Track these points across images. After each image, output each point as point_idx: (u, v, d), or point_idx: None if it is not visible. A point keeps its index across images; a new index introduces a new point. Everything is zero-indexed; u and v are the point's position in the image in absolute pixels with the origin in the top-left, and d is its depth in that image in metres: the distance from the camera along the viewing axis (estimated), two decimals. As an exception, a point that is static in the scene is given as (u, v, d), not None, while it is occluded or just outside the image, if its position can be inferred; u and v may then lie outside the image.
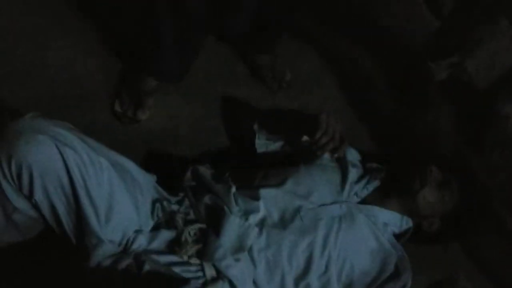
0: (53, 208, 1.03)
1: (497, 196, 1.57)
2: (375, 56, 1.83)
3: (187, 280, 1.05)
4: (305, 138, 1.36)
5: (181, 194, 1.25)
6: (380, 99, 1.76)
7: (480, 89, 1.75)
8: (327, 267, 1.19)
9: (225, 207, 1.17)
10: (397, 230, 1.33)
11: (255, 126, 1.46)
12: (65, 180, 1.01)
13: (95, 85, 1.53)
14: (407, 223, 1.33)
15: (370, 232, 1.26)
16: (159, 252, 1.12)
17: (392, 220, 1.31)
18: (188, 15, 1.26)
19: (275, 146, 1.45)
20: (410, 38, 1.88)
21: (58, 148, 0.98)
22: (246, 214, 1.18)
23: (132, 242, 1.10)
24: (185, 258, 1.11)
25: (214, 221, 1.16)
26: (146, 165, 1.32)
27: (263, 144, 1.45)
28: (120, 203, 1.08)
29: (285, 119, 1.46)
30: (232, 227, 1.14)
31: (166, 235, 1.15)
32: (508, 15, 1.50)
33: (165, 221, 1.18)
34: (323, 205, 1.24)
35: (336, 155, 1.28)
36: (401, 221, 1.32)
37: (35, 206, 1.03)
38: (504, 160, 1.67)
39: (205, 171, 1.30)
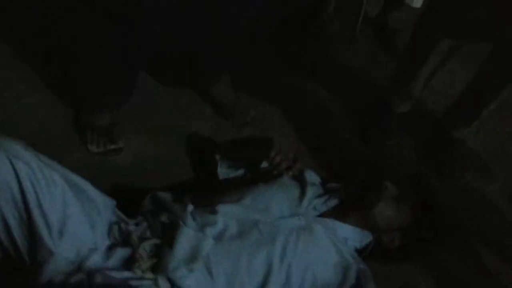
0: (4, 221, 1.03)
1: (461, 216, 1.60)
2: (337, 94, 1.91)
3: None
4: (263, 164, 1.41)
5: (140, 218, 1.27)
6: (341, 131, 1.82)
7: (438, 116, 1.82)
8: (287, 278, 1.19)
9: (180, 222, 1.19)
10: (358, 245, 1.34)
11: (217, 156, 1.50)
12: (17, 193, 1.01)
13: (60, 130, 1.59)
14: (367, 237, 1.34)
15: (330, 244, 1.26)
16: (114, 269, 1.11)
17: (352, 234, 1.33)
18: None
19: (237, 173, 1.49)
20: (372, 76, 1.98)
21: (10, 162, 1.00)
22: (203, 227, 1.20)
23: (87, 260, 1.11)
24: (139, 273, 1.10)
25: (169, 237, 1.17)
26: (111, 196, 1.35)
27: (225, 172, 1.49)
28: (74, 220, 1.09)
29: (245, 145, 1.50)
30: (185, 238, 1.15)
31: (121, 253, 1.14)
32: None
33: (121, 241, 1.19)
34: (282, 218, 1.26)
35: (291, 173, 1.32)
36: (361, 236, 1.34)
37: None
38: (463, 182, 1.72)
39: (165, 195, 1.33)
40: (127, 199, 1.37)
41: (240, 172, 1.49)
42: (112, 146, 1.56)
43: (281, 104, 1.83)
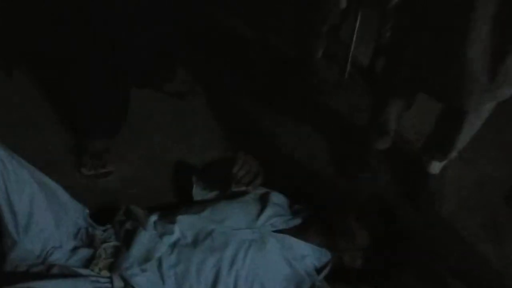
0: None
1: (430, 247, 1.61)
2: (319, 130, 2.01)
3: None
4: (233, 186, 1.50)
5: (109, 226, 1.37)
6: (318, 162, 1.90)
7: (416, 150, 1.88)
8: (235, 286, 1.25)
9: (141, 227, 1.28)
10: (317, 263, 1.38)
11: (193, 178, 1.60)
12: None
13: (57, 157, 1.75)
14: (326, 255, 1.39)
15: (282, 258, 1.32)
16: (75, 266, 1.21)
17: (310, 252, 1.37)
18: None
19: (211, 195, 1.58)
20: (356, 118, 2.07)
21: None
22: (161, 235, 1.28)
23: (50, 255, 1.21)
24: (96, 270, 1.20)
25: (129, 240, 1.26)
26: (94, 213, 1.46)
27: (199, 193, 1.58)
28: (40, 216, 1.20)
29: (219, 166, 1.59)
30: (142, 240, 1.24)
31: (84, 253, 1.25)
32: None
33: (86, 243, 1.29)
34: (236, 229, 1.33)
35: (250, 187, 1.39)
36: (319, 253, 1.38)
37: None
38: (438, 216, 1.74)
39: (136, 208, 1.43)
40: (108, 218, 1.48)
41: (215, 193, 1.58)
42: (103, 170, 1.70)
43: (263, 131, 1.96)
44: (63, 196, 1.30)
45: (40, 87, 1.94)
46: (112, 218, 1.44)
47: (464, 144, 1.69)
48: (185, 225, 1.33)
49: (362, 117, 2.02)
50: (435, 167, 1.77)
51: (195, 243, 1.29)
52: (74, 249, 1.26)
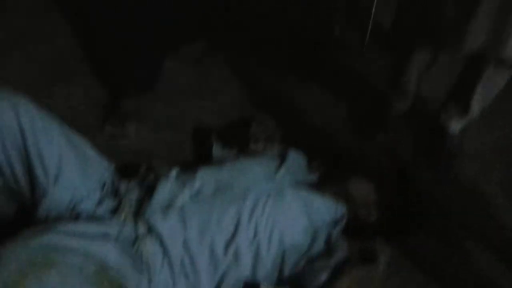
0: (10, 163, 1.19)
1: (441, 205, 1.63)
2: (340, 94, 2.03)
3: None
4: (251, 145, 1.55)
5: (133, 180, 1.42)
6: (336, 121, 1.93)
7: (432, 110, 1.89)
8: (255, 233, 1.29)
9: (162, 177, 1.33)
10: (332, 216, 1.41)
11: (212, 138, 1.65)
12: (20, 140, 1.18)
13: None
14: (342, 209, 1.42)
15: (300, 209, 1.36)
16: (101, 215, 1.27)
17: (325, 206, 1.41)
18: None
19: (230, 154, 1.62)
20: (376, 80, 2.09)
21: (14, 110, 1.17)
22: (183, 187, 1.33)
23: (78, 206, 1.26)
24: (122, 218, 1.25)
25: (152, 190, 1.32)
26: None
27: (219, 153, 1.63)
28: (69, 169, 1.25)
29: (238, 127, 1.63)
30: (164, 189, 1.29)
31: (110, 203, 1.30)
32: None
33: (112, 195, 1.34)
34: (255, 182, 1.37)
35: (268, 146, 1.43)
36: (335, 207, 1.42)
37: None
38: (452, 174, 1.76)
39: (158, 163, 1.48)
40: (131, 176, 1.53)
41: (233, 152, 1.62)
42: (124, 131, 1.76)
43: (282, 97, 1.99)
44: (89, 150, 1.35)
45: (75, 40, 2.01)
46: (135, 175, 1.49)
47: (483, 105, 1.70)
48: (205, 177, 1.37)
49: (381, 79, 2.03)
50: (454, 127, 1.78)
51: (216, 194, 1.33)
52: (100, 201, 1.31)
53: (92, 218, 1.23)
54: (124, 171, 1.50)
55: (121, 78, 1.73)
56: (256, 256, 1.30)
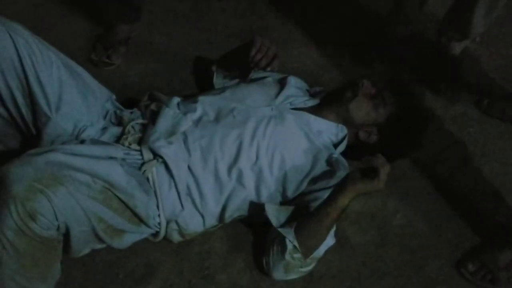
0: (11, 92, 1.20)
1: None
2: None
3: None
4: (253, 71, 1.54)
5: (135, 109, 1.43)
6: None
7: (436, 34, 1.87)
8: (257, 156, 1.32)
9: (164, 105, 1.34)
10: (333, 138, 1.44)
11: (213, 67, 1.64)
12: (18, 66, 1.17)
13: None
14: (342, 130, 1.44)
15: (301, 132, 1.37)
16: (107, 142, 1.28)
17: (326, 127, 1.42)
18: None
19: (231, 83, 1.62)
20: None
21: (11, 37, 1.16)
22: (185, 113, 1.35)
23: (83, 132, 1.27)
24: (126, 144, 1.27)
25: (155, 118, 1.33)
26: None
27: (220, 82, 1.63)
28: (70, 96, 1.25)
29: (238, 53, 1.61)
30: (166, 116, 1.31)
31: (114, 130, 1.32)
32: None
33: (115, 123, 1.36)
34: (256, 107, 1.38)
35: (269, 69, 1.42)
36: (336, 129, 1.43)
37: None
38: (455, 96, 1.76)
39: (160, 94, 1.48)
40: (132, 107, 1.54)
41: (235, 81, 1.62)
42: (107, 60, 1.75)
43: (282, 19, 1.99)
44: (90, 79, 1.35)
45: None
46: (137, 106, 1.50)
47: (483, 25, 1.67)
48: (207, 103, 1.38)
49: (383, 6, 2.00)
50: (455, 48, 1.77)
51: (218, 119, 1.35)
52: (104, 128, 1.32)
53: (97, 142, 1.25)
54: (127, 102, 1.52)
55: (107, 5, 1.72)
56: (259, 179, 1.33)
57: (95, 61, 1.74)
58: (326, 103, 1.46)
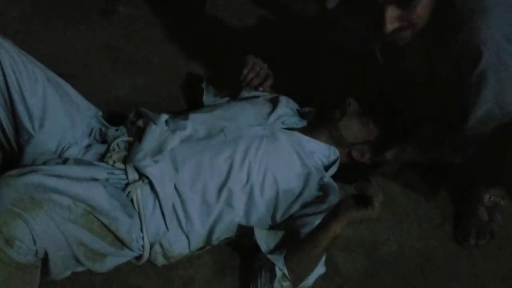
0: None
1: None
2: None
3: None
4: (244, 89, 1.51)
5: (121, 126, 1.39)
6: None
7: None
8: (248, 177, 1.28)
9: (151, 122, 1.30)
10: (325, 160, 1.41)
11: (203, 84, 1.61)
12: (1, 82, 1.14)
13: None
14: (334, 153, 1.41)
15: (293, 152, 1.34)
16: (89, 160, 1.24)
17: (318, 149, 1.40)
18: None
19: (222, 100, 1.58)
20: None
21: None
22: (173, 131, 1.31)
23: (66, 150, 1.23)
24: (111, 162, 1.22)
25: (141, 135, 1.29)
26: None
27: (210, 100, 1.60)
28: (54, 112, 1.21)
29: (227, 71, 1.58)
30: (153, 134, 1.27)
31: (98, 148, 1.27)
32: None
33: (100, 140, 1.31)
34: (247, 126, 1.35)
35: (261, 89, 1.39)
36: (328, 151, 1.41)
37: None
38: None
39: (147, 111, 1.44)
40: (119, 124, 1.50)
41: (225, 98, 1.59)
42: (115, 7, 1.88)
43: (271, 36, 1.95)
44: (76, 96, 1.31)
45: None
46: (123, 122, 1.46)
47: None
48: (197, 121, 1.35)
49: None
50: None
51: (208, 138, 1.31)
52: (88, 146, 1.28)
53: (80, 162, 1.20)
54: (112, 122, 1.47)
55: None
56: (249, 200, 1.29)
57: (103, 9, 1.85)
58: (316, 124, 1.44)
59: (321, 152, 1.40)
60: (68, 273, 1.18)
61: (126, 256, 1.23)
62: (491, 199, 1.51)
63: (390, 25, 1.15)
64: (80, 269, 1.19)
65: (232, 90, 1.56)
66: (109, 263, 1.19)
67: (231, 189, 1.26)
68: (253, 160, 1.28)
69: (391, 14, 1.14)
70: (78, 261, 1.11)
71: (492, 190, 1.51)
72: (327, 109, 1.44)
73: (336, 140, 1.40)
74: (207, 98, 1.60)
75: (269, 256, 1.22)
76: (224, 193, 1.26)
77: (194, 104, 1.67)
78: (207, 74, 1.78)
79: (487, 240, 1.51)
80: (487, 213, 1.51)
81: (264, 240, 1.26)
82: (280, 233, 1.29)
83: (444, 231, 1.55)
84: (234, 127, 1.33)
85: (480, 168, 1.48)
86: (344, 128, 1.39)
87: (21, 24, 1.82)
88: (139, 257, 1.25)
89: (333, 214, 1.19)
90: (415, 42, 1.23)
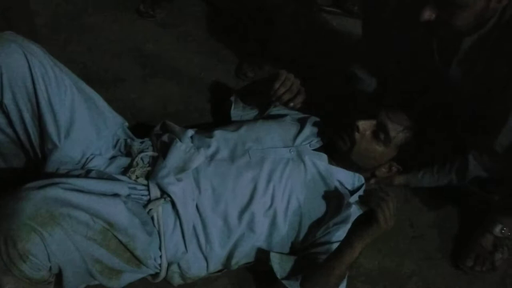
0: (20, 114, 1.14)
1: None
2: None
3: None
4: (274, 104, 1.47)
5: (146, 139, 1.36)
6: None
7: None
8: (272, 201, 1.24)
9: (177, 139, 1.27)
10: (350, 187, 1.35)
11: (232, 98, 1.57)
12: (30, 88, 1.13)
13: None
14: (359, 180, 1.36)
15: (318, 177, 1.29)
16: (112, 173, 1.21)
17: (344, 178, 1.34)
18: None
19: (250, 115, 1.55)
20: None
21: (26, 58, 1.11)
22: (198, 148, 1.27)
23: (90, 162, 1.21)
24: (133, 177, 1.20)
25: (165, 151, 1.26)
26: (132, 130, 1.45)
27: (238, 114, 1.55)
28: (81, 123, 1.19)
29: (259, 85, 1.53)
30: (177, 151, 1.24)
31: (122, 161, 1.25)
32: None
33: (124, 153, 1.29)
34: (273, 148, 1.31)
35: (291, 105, 1.33)
36: (353, 179, 1.35)
37: (4, 112, 1.14)
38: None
39: (173, 124, 1.41)
40: (145, 135, 1.47)
41: (253, 114, 1.55)
42: (152, 12, 1.95)
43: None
44: (104, 106, 1.29)
45: None
46: (149, 134, 1.45)
47: None
48: (222, 140, 1.31)
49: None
50: None
51: (232, 158, 1.27)
52: (113, 158, 1.26)
53: (103, 175, 1.17)
54: (137, 132, 1.45)
55: None
56: (272, 225, 1.26)
57: (141, 12, 1.94)
58: (335, 154, 1.36)
59: (346, 180, 1.34)
60: (82, 287, 1.16)
61: (142, 273, 1.20)
62: (503, 231, 1.43)
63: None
64: (94, 282, 1.16)
65: (261, 105, 1.52)
66: (125, 279, 1.17)
67: (254, 213, 1.23)
68: (277, 184, 1.24)
69: None
70: (93, 277, 1.09)
71: (508, 222, 1.44)
72: (335, 137, 1.35)
73: (357, 169, 1.35)
74: (235, 112, 1.55)
75: (284, 281, 1.19)
76: (246, 217, 1.23)
77: (222, 118, 1.64)
78: (237, 87, 1.75)
79: (486, 268, 1.44)
80: (493, 243, 1.44)
81: (280, 264, 1.23)
82: (294, 258, 1.26)
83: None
84: (259, 148, 1.30)
85: (500, 194, 1.47)
86: (359, 159, 1.32)
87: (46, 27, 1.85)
88: (155, 275, 1.23)
89: (347, 239, 1.14)
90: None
